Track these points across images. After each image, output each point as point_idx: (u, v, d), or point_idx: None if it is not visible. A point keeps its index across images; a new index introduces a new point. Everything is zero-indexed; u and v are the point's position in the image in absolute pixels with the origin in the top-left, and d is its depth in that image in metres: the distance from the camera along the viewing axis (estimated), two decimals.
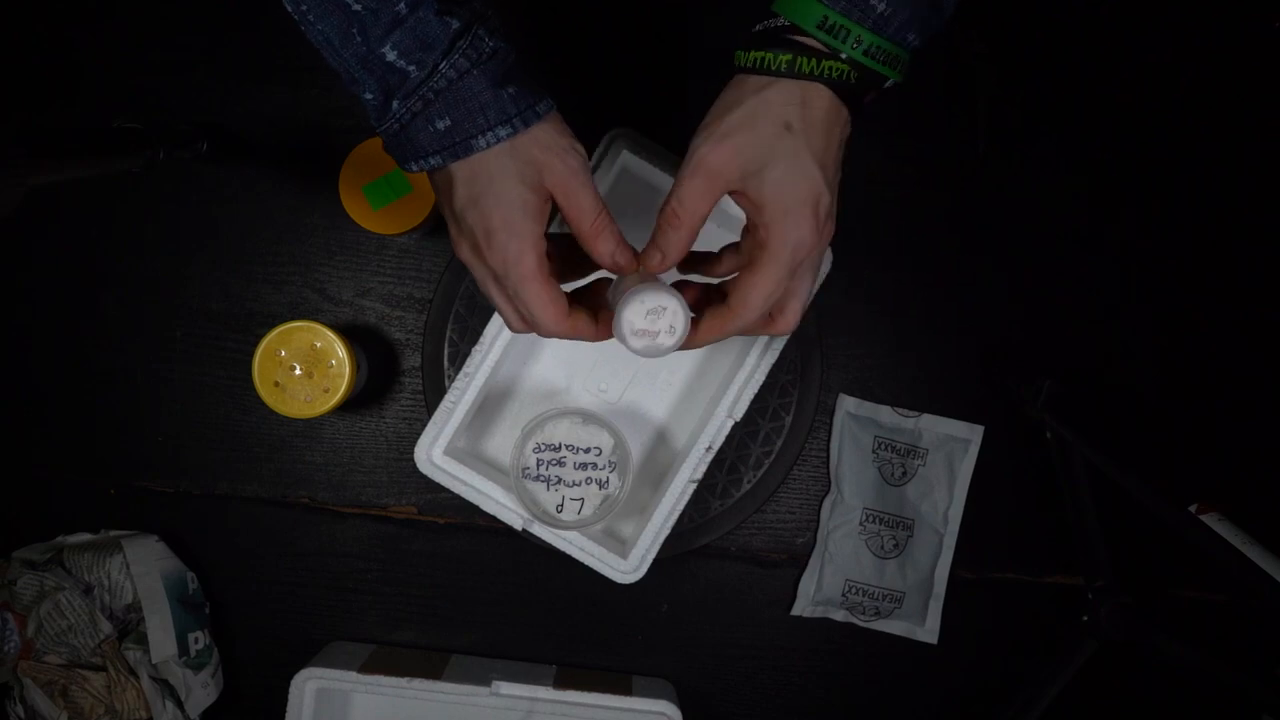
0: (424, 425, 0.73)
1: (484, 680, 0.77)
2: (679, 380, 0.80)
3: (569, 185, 0.51)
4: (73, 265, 0.83)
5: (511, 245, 0.51)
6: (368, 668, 0.77)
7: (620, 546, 0.75)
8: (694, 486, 0.74)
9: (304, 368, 0.75)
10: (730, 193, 0.51)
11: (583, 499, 0.72)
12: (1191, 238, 0.84)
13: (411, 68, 0.49)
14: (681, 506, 0.74)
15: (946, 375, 0.85)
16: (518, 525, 0.73)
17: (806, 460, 0.85)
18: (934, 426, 0.85)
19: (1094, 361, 0.85)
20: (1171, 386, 0.85)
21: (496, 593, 0.85)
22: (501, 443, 0.79)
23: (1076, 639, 0.76)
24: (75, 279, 0.83)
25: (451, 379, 0.81)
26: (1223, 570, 0.72)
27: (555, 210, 0.53)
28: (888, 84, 0.50)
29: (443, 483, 0.73)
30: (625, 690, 0.79)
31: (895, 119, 0.83)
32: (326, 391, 0.75)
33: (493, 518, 0.74)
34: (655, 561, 0.74)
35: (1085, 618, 0.76)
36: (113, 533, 0.81)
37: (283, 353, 0.75)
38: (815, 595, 0.85)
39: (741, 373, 0.74)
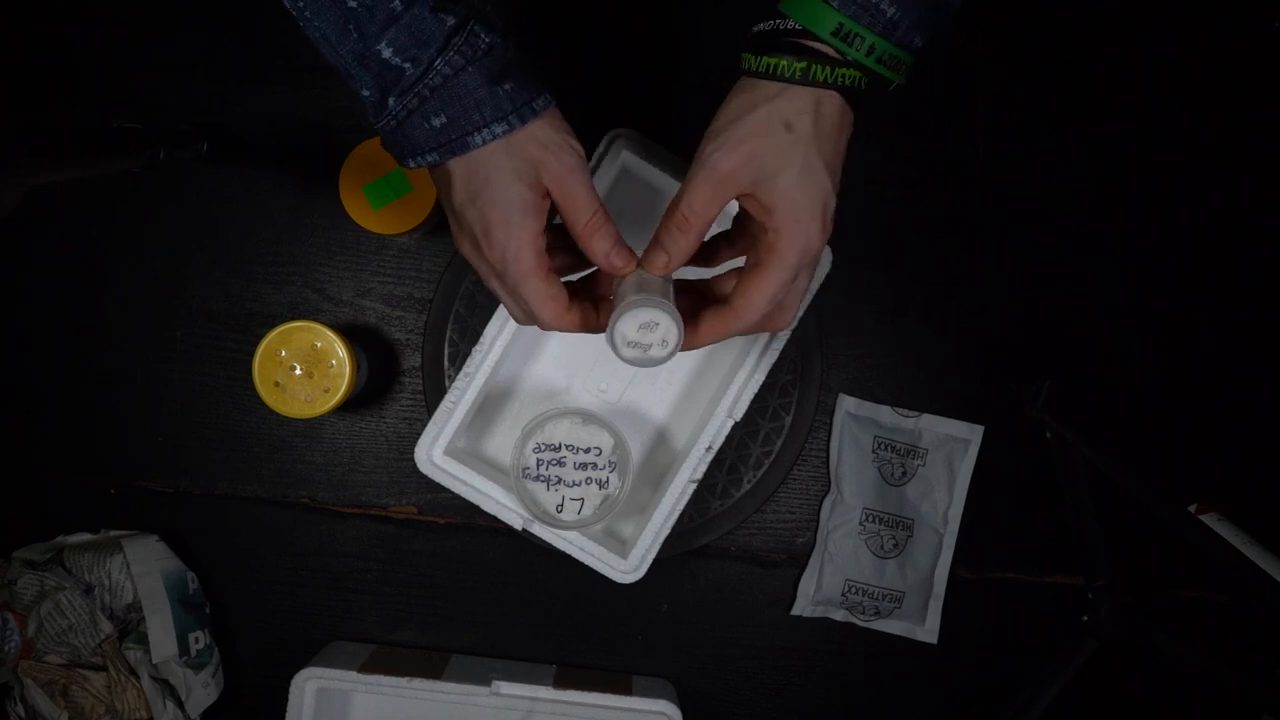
0: (424, 425, 0.73)
1: (484, 680, 0.77)
2: (679, 380, 0.80)
3: (565, 183, 0.52)
4: (73, 265, 0.83)
5: (510, 243, 0.51)
6: (368, 668, 0.77)
7: (620, 546, 0.75)
8: (694, 486, 0.74)
9: (304, 368, 0.75)
10: (738, 195, 0.51)
11: (583, 499, 0.72)
12: (1191, 238, 0.84)
13: (407, 65, 0.49)
14: (681, 506, 0.74)
15: (946, 375, 0.85)
16: (518, 525, 0.73)
17: (806, 460, 0.85)
18: (934, 426, 0.85)
19: (1094, 361, 0.85)
20: (1171, 386, 0.85)
21: (496, 593, 0.85)
22: (501, 443, 0.79)
23: (1076, 639, 0.76)
24: (75, 279, 0.83)
25: (451, 379, 0.81)
26: (1223, 570, 0.72)
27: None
28: (891, 86, 0.50)
29: (443, 483, 0.73)
30: (625, 690, 0.79)
31: (895, 119, 0.83)
32: (327, 391, 0.75)
33: (493, 518, 0.74)
34: (655, 561, 0.74)
35: (1085, 618, 0.76)
36: (113, 533, 0.81)
37: (283, 353, 0.75)
38: (815, 595, 0.85)
39: (741, 373, 0.74)
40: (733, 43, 0.52)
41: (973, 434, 0.85)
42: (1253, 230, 0.85)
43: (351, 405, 0.83)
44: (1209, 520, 0.78)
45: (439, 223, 0.81)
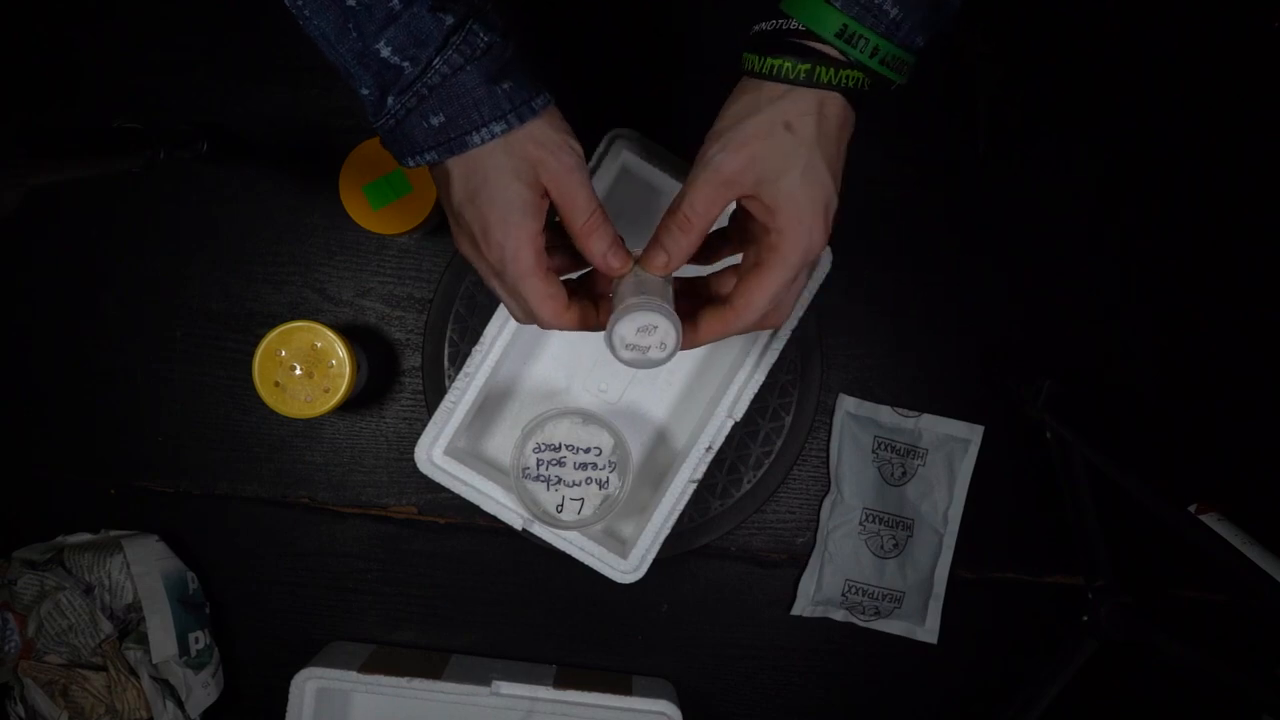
0: (424, 425, 0.73)
1: (484, 680, 0.77)
2: (679, 380, 0.80)
3: (563, 182, 0.52)
4: (73, 265, 0.83)
5: (508, 242, 0.51)
6: (368, 668, 0.77)
7: (620, 546, 0.75)
8: (694, 486, 0.74)
9: (304, 368, 0.75)
10: (740, 197, 0.51)
11: (583, 499, 0.72)
12: (1191, 238, 0.84)
13: (405, 64, 0.49)
14: (681, 506, 0.74)
15: (946, 375, 0.85)
16: (518, 525, 0.73)
17: (806, 460, 0.85)
18: (934, 426, 0.85)
19: (1094, 361, 0.85)
20: (1171, 386, 0.85)
21: (496, 593, 0.85)
22: (501, 443, 0.79)
23: (1076, 639, 0.76)
24: (75, 279, 0.83)
25: (451, 379, 0.81)
26: (1223, 570, 0.72)
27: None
28: (893, 87, 0.50)
29: (443, 483, 0.73)
30: (625, 690, 0.79)
31: (896, 119, 0.83)
32: (327, 391, 0.75)
33: (493, 518, 0.74)
34: (655, 561, 0.74)
35: (1085, 618, 0.76)
36: (113, 533, 0.81)
37: (283, 353, 0.75)
38: (815, 595, 0.85)
39: (741, 373, 0.74)
40: (733, 42, 0.52)
41: (973, 434, 0.85)
42: (1253, 230, 0.85)
43: (351, 405, 0.83)
44: (1209, 520, 0.78)
45: (439, 223, 0.81)
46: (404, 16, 0.48)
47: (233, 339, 0.83)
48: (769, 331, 0.74)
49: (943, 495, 0.85)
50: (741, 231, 0.56)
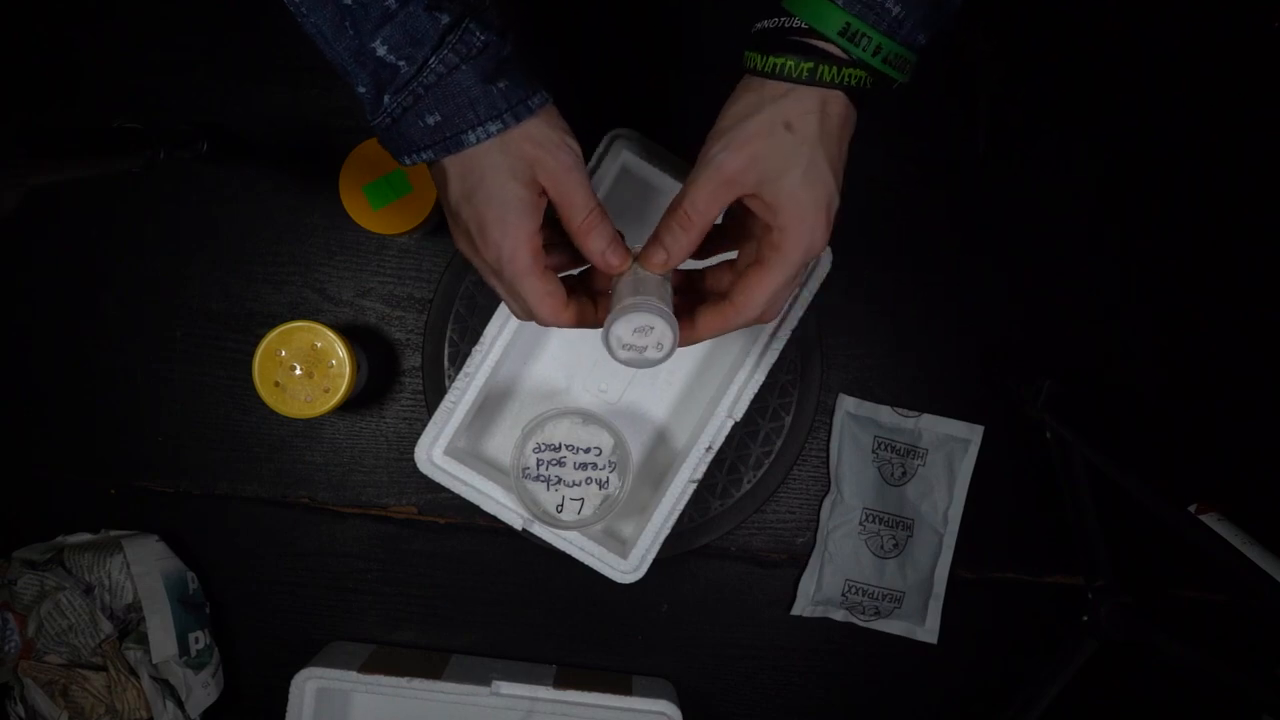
0: (424, 425, 0.73)
1: (484, 680, 0.77)
2: (679, 380, 0.80)
3: (561, 181, 0.52)
4: (73, 265, 0.83)
5: (506, 242, 0.52)
6: (368, 668, 0.77)
7: (620, 546, 0.75)
8: (694, 486, 0.74)
9: (304, 368, 0.75)
10: (742, 195, 0.51)
11: (583, 499, 0.72)
12: (1191, 238, 0.84)
13: (401, 63, 0.49)
14: (681, 506, 0.74)
15: (946, 375, 0.85)
16: (518, 525, 0.73)
17: (806, 460, 0.85)
18: (934, 426, 0.85)
19: (1094, 361, 0.85)
20: (1171, 386, 0.85)
21: (496, 593, 0.85)
22: (501, 443, 0.79)
23: (1076, 639, 0.76)
24: (75, 279, 0.83)
25: (451, 379, 0.81)
26: (1223, 570, 0.72)
27: None
28: (895, 85, 0.50)
29: (443, 483, 0.74)
30: (625, 690, 0.79)
31: (896, 118, 0.83)
32: (327, 391, 0.75)
33: (493, 518, 0.74)
34: (655, 561, 0.74)
35: (1085, 618, 0.76)
36: (113, 533, 0.81)
37: (283, 353, 0.75)
38: (815, 595, 0.85)
39: (741, 373, 0.74)
40: (733, 41, 0.52)
41: (973, 434, 0.85)
42: (1253, 230, 0.85)
43: (351, 405, 0.83)
44: (1209, 520, 0.78)
45: (439, 223, 0.81)
46: (400, 15, 0.48)
47: (233, 339, 0.83)
48: (769, 332, 0.74)
49: (943, 495, 0.85)
50: (739, 229, 0.56)
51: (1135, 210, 0.85)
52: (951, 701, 0.86)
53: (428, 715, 0.81)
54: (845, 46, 0.47)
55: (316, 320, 0.75)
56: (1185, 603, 0.85)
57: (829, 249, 0.74)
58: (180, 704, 0.78)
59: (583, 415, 0.72)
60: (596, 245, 0.53)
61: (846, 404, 0.84)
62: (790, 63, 0.48)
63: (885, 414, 0.85)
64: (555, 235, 0.55)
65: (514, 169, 0.51)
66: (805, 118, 0.49)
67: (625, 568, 0.74)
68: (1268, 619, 0.84)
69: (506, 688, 0.76)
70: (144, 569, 0.78)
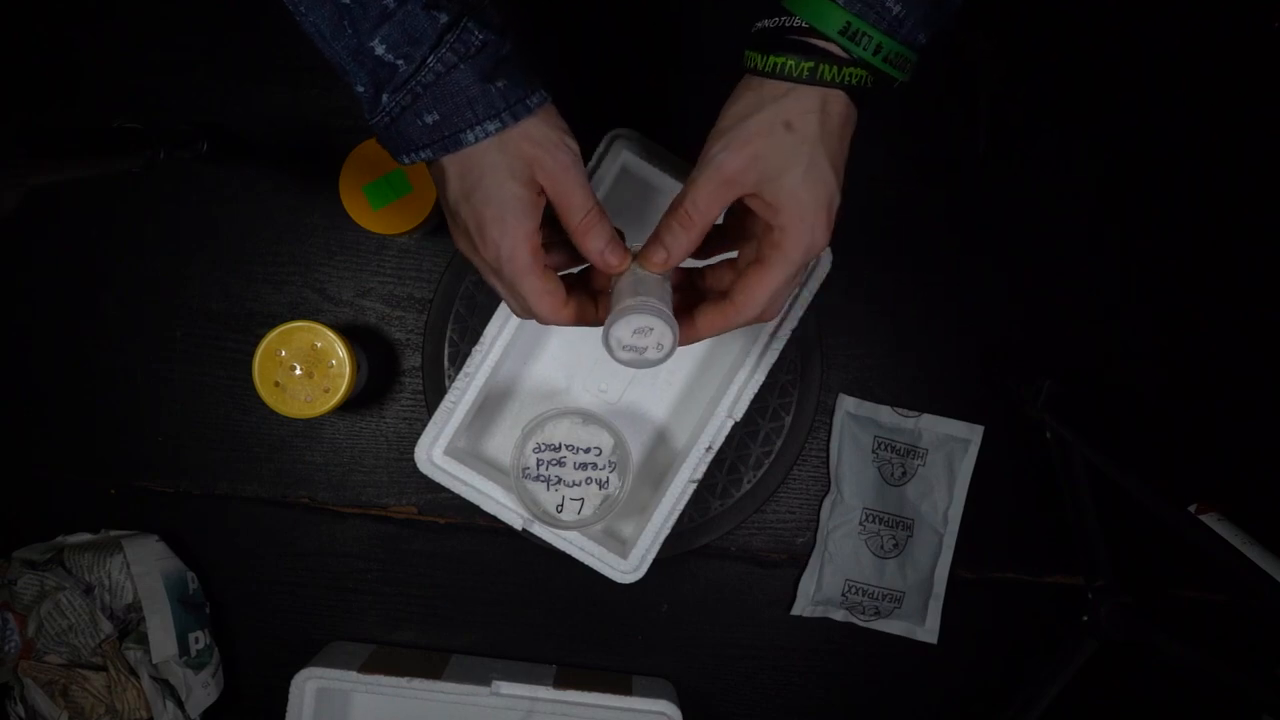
0: (424, 425, 0.73)
1: (484, 680, 0.77)
2: (679, 380, 0.80)
3: (559, 180, 0.52)
4: (73, 265, 0.83)
5: (504, 241, 0.52)
6: (368, 667, 0.77)
7: (620, 546, 0.75)
8: (694, 486, 0.74)
9: (304, 368, 0.75)
10: (743, 195, 0.51)
11: (583, 499, 0.72)
12: (1191, 238, 0.84)
13: (400, 62, 0.49)
14: (681, 506, 0.74)
15: (946, 375, 0.85)
16: (518, 525, 0.73)
17: (806, 460, 0.85)
18: (934, 426, 0.85)
19: (1094, 361, 0.85)
20: (1171, 386, 0.85)
21: (496, 593, 0.85)
22: (501, 443, 0.79)
23: (1076, 639, 0.76)
24: (75, 279, 0.83)
25: (451, 379, 0.81)
26: (1223, 570, 0.72)
27: None
28: (895, 84, 0.50)
29: (443, 483, 0.74)
30: (625, 690, 0.79)
31: (896, 118, 0.83)
32: (327, 391, 0.75)
33: (493, 518, 0.74)
34: (655, 561, 0.74)
35: (1085, 618, 0.76)
36: (113, 533, 0.81)
37: (283, 353, 0.75)
38: (815, 595, 0.85)
39: (741, 373, 0.74)
40: (733, 41, 0.52)
41: (973, 434, 0.85)
42: (1253, 230, 0.84)
43: (351, 405, 0.83)
44: (1209, 520, 0.78)
45: (439, 223, 0.81)
46: (398, 14, 0.48)
47: (233, 339, 0.83)
48: (769, 332, 0.74)
49: (943, 495, 0.85)
50: (739, 228, 0.56)
51: (1135, 210, 0.85)
52: (951, 701, 0.86)
53: (428, 715, 0.81)
54: (846, 45, 0.47)
55: (316, 320, 0.75)
56: (1185, 603, 0.85)
57: (829, 249, 0.74)
58: (180, 704, 0.79)
59: (583, 415, 0.72)
60: (595, 245, 0.53)
61: (846, 404, 0.84)
62: (791, 62, 0.48)
63: (885, 414, 0.85)
64: (555, 234, 0.55)
65: (512, 168, 0.51)
66: (806, 117, 0.49)
67: (625, 568, 0.74)
68: (1268, 619, 0.84)
69: (506, 688, 0.76)
70: (144, 569, 0.78)
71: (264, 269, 0.84)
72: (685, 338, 0.54)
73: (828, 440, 0.85)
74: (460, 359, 0.80)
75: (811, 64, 0.48)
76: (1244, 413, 0.85)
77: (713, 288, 0.57)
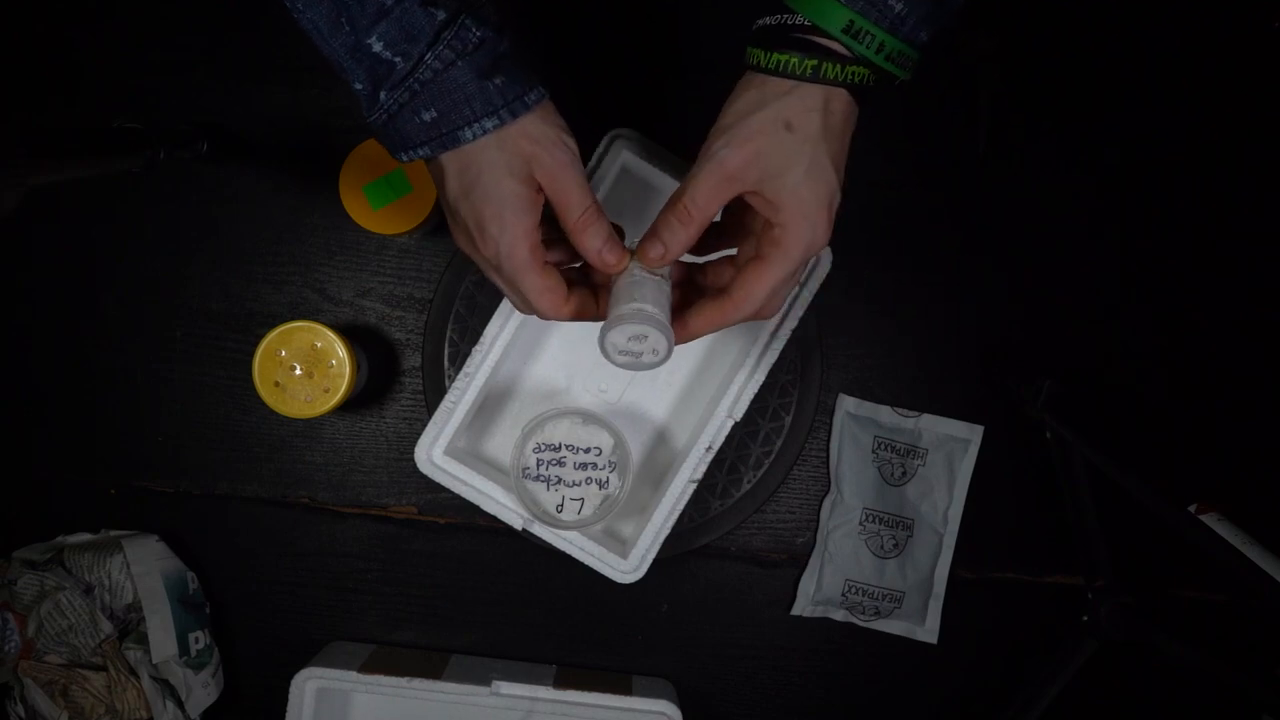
0: (424, 425, 0.73)
1: (484, 680, 0.77)
2: (679, 380, 0.80)
3: (557, 178, 0.52)
4: (73, 265, 0.83)
5: (503, 238, 0.52)
6: (368, 667, 0.77)
7: (620, 546, 0.75)
8: (694, 486, 0.74)
9: (304, 368, 0.75)
10: (743, 192, 0.51)
11: (583, 499, 0.72)
12: (1191, 238, 0.84)
13: (397, 59, 0.49)
14: (681, 506, 0.74)
15: (946, 375, 0.85)
16: (518, 525, 0.73)
17: (806, 460, 0.85)
18: (934, 426, 0.85)
19: (1094, 361, 0.85)
20: (1171, 386, 0.85)
21: (496, 593, 0.85)
22: (501, 443, 0.79)
23: (1076, 639, 0.76)
24: (75, 279, 0.83)
25: (451, 379, 0.81)
26: (1223, 570, 0.72)
27: None
28: (896, 82, 0.50)
29: (443, 483, 0.73)
30: (625, 690, 0.79)
31: (897, 118, 0.83)
32: (327, 391, 0.75)
33: (493, 518, 0.74)
34: (655, 561, 0.74)
35: (1085, 618, 0.76)
36: (113, 533, 0.81)
37: (283, 353, 0.75)
38: (815, 595, 0.85)
39: (741, 373, 0.74)
40: (732, 39, 0.52)
41: (973, 434, 0.85)
42: (1253, 230, 0.85)
43: (351, 405, 0.83)
44: (1209, 520, 0.78)
45: (439, 223, 0.81)
46: (395, 11, 0.48)
47: (233, 339, 0.83)
48: (769, 332, 0.74)
49: (943, 495, 0.85)
50: (738, 226, 0.56)
51: (1135, 210, 0.85)
52: (951, 701, 0.86)
53: (428, 715, 0.81)
54: (848, 44, 0.47)
55: (316, 320, 0.75)
56: (1185, 603, 0.85)
57: (829, 249, 0.74)
58: (180, 704, 0.78)
59: (583, 415, 0.72)
60: (592, 243, 0.53)
61: (846, 404, 0.84)
62: (794, 60, 0.48)
63: (885, 414, 0.85)
64: (554, 231, 0.55)
65: (510, 165, 0.51)
66: (808, 115, 0.49)
67: (625, 568, 0.74)
68: (1268, 619, 0.84)
69: (506, 688, 0.76)
70: (144, 569, 0.78)
71: (264, 269, 0.84)
72: (683, 334, 0.54)
73: (828, 440, 0.85)
74: (460, 359, 0.80)
75: (814, 62, 0.48)
76: (1244, 413, 0.85)
77: (713, 284, 0.57)
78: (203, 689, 0.80)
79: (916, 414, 0.85)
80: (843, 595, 0.84)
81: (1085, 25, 0.84)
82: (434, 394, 0.82)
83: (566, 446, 0.72)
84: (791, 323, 0.74)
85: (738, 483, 0.82)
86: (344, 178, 0.76)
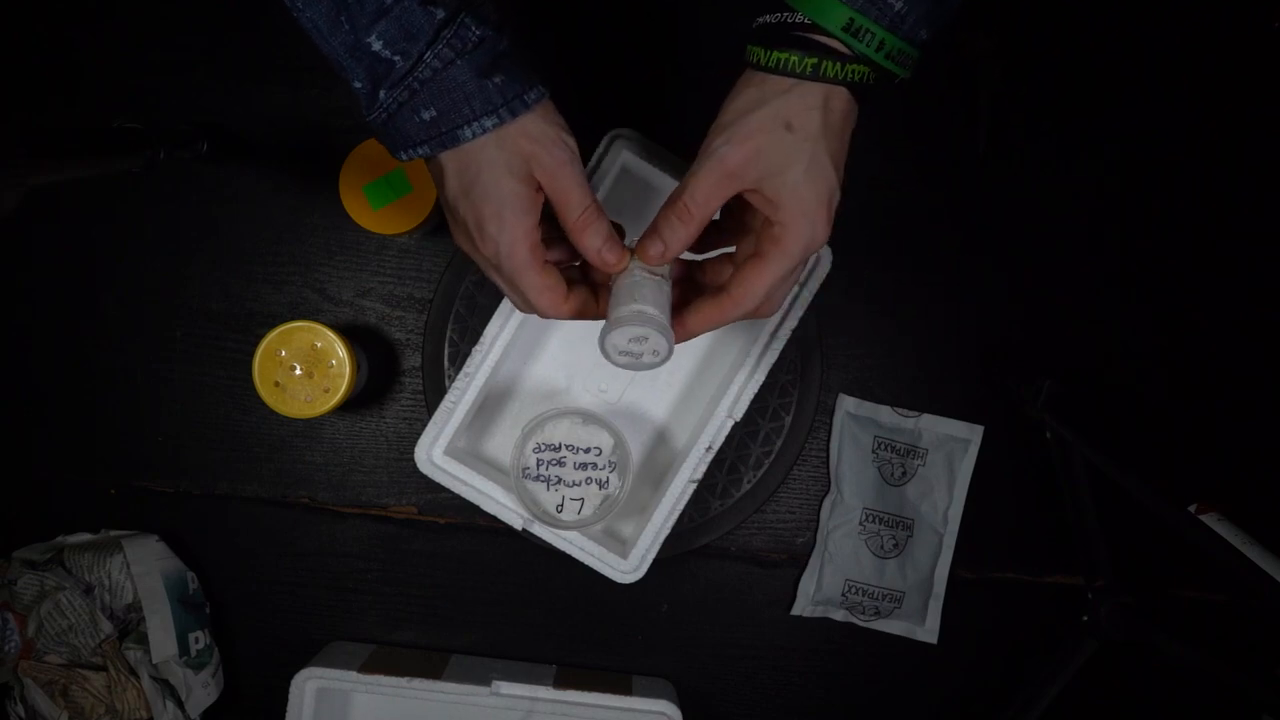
0: (424, 425, 0.73)
1: (484, 680, 0.77)
2: (679, 380, 0.80)
3: (557, 177, 0.52)
4: (73, 265, 0.83)
5: (503, 237, 0.52)
6: (368, 667, 0.77)
7: (620, 546, 0.75)
8: (694, 486, 0.74)
9: (304, 368, 0.75)
10: (742, 190, 0.51)
11: (583, 499, 0.72)
12: (1191, 238, 0.84)
13: (397, 58, 0.48)
14: (681, 506, 0.74)
15: (946, 375, 0.85)
16: (518, 525, 0.73)
17: (806, 460, 0.85)
18: (934, 426, 0.85)
19: (1094, 361, 0.85)
20: (1171, 386, 0.85)
21: (496, 593, 0.85)
22: (501, 443, 0.79)
23: (1076, 639, 0.76)
24: (75, 279, 0.83)
25: (451, 379, 0.81)
26: (1223, 570, 0.72)
27: None
28: (896, 81, 0.50)
29: (443, 483, 0.73)
30: (625, 690, 0.79)
31: (897, 118, 0.83)
32: (327, 391, 0.75)
33: (493, 518, 0.74)
34: (655, 561, 0.74)
35: (1085, 618, 0.76)
36: (113, 533, 0.81)
37: (283, 353, 0.75)
38: (815, 595, 0.85)
39: (741, 373, 0.74)
40: (731, 37, 0.52)
41: (973, 434, 0.85)
42: (1253, 230, 0.85)
43: (351, 405, 0.83)
44: (1209, 520, 0.78)
45: (439, 223, 0.81)
46: (395, 10, 0.48)
47: (233, 339, 0.83)
48: (769, 331, 0.74)
49: (943, 495, 0.85)
50: (737, 224, 0.56)
51: (1135, 210, 0.85)
52: (951, 701, 0.86)
53: (428, 715, 0.81)
54: (849, 42, 0.47)
55: (316, 320, 0.75)
56: (1185, 603, 0.85)
57: (829, 248, 0.74)
58: (180, 704, 0.78)
59: (583, 415, 0.72)
60: (591, 243, 0.53)
61: (846, 404, 0.84)
62: (794, 58, 0.48)
63: (885, 414, 0.85)
64: (554, 230, 0.55)
65: (510, 164, 0.51)
66: (808, 114, 0.49)
67: (625, 568, 0.74)
68: (1268, 619, 0.84)
69: (506, 688, 0.76)
70: (144, 569, 0.78)
71: (264, 269, 0.84)
72: (683, 332, 0.54)
73: (828, 440, 0.85)
74: (460, 359, 0.80)
75: (815, 60, 0.48)
76: (1244, 413, 0.85)
77: (711, 282, 0.57)
78: (203, 689, 0.80)
79: (916, 414, 0.85)
80: (843, 595, 0.84)
81: (1085, 24, 0.84)
82: (434, 394, 0.82)
83: (566, 446, 0.72)
84: (791, 323, 0.74)
85: (738, 483, 0.82)
86: (344, 178, 0.76)
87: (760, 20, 0.50)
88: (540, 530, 0.73)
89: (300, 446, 0.84)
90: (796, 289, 0.74)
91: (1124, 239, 0.85)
